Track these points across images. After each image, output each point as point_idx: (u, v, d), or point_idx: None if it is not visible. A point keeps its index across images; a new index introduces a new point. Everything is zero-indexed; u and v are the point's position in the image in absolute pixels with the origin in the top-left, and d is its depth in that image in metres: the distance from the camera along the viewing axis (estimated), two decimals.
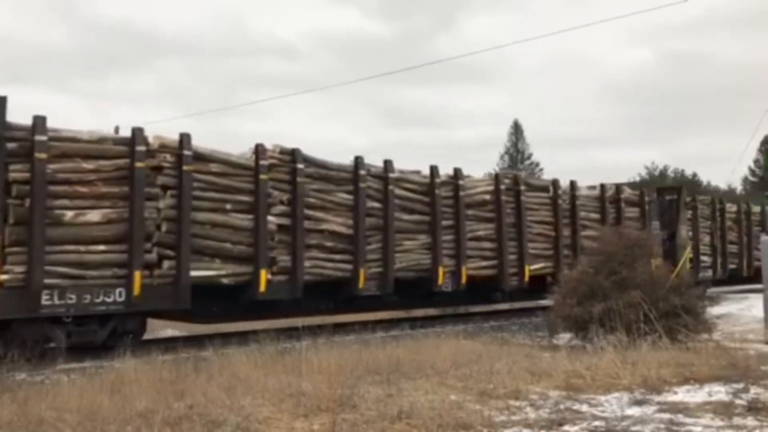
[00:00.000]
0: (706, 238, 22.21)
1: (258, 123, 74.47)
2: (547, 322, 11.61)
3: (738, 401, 6.20)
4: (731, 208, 24.40)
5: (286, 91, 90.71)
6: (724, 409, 5.90)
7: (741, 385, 6.83)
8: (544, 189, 17.37)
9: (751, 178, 58.85)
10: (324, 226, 12.94)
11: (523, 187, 16.50)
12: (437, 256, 14.43)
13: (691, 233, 20.88)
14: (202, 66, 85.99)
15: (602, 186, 18.66)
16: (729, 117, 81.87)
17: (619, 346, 8.60)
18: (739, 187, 58.27)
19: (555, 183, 17.31)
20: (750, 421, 5.56)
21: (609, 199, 18.53)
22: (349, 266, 13.22)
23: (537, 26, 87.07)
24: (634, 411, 5.92)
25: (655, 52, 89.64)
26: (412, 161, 15.14)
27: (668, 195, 21.31)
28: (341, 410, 5.73)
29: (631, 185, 20.99)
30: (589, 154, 79.34)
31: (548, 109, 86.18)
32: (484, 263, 15.65)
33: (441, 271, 14.45)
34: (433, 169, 14.66)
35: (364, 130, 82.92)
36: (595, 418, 5.69)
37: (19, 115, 9.96)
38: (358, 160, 13.47)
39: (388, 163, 13.97)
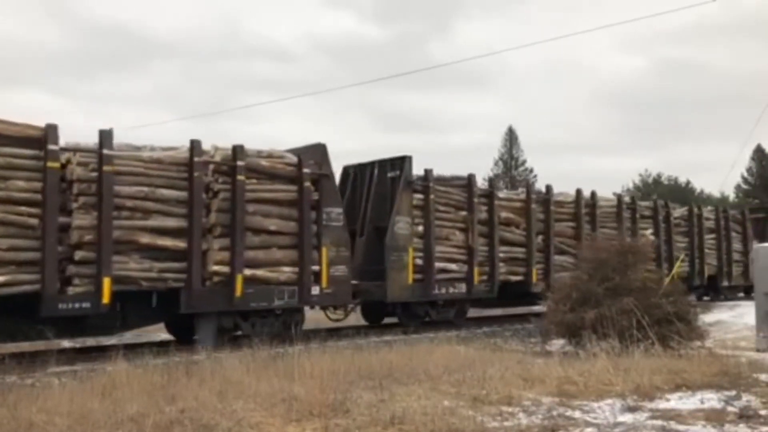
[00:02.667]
0: (457, 237, 15.28)
1: (252, 126, 74.46)
2: (540, 329, 11.61)
3: (730, 408, 6.22)
4: (518, 195, 17.21)
5: (281, 95, 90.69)
6: (716, 416, 5.92)
7: (733, 393, 6.86)
8: (21, 142, 10.03)
9: (743, 186, 59.08)
10: None
11: None
12: None
13: (422, 228, 14.55)
14: (197, 68, 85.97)
15: (192, 146, 11.32)
16: (722, 125, 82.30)
17: (612, 353, 8.62)
18: (731, 194, 58.52)
19: (50, 131, 10.05)
20: (742, 429, 5.59)
21: (209, 169, 11.72)
22: None
23: (532, 32, 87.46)
24: (627, 417, 5.93)
25: (649, 60, 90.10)
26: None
27: (390, 171, 14.86)
28: (334, 415, 5.73)
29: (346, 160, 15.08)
30: (584, 161, 79.54)
31: (543, 115, 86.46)
32: None
33: None
34: None
35: (359, 134, 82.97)
36: (588, 424, 5.70)
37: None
38: None
39: None
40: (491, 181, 16.42)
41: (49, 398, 6.40)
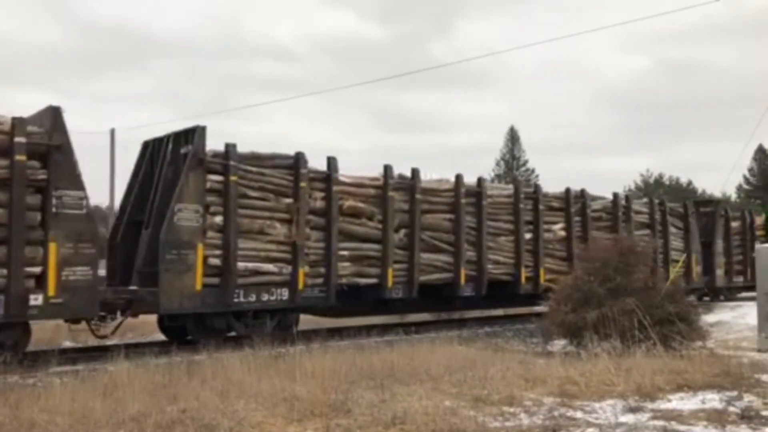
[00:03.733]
0: (278, 230, 12.10)
1: (253, 125, 74.49)
2: (542, 329, 11.61)
3: (731, 409, 6.22)
4: (371, 180, 13.71)
5: (282, 94, 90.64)
6: (717, 417, 5.92)
7: (734, 393, 6.86)
8: None
9: (745, 186, 59.09)
10: None
11: None
12: None
13: (221, 218, 11.44)
14: (197, 67, 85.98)
15: None
16: (725, 125, 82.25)
17: (614, 353, 8.63)
18: (733, 195, 58.52)
19: None
20: (743, 429, 5.59)
21: None
22: None
23: (533, 32, 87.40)
24: (628, 418, 5.93)
25: (651, 60, 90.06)
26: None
27: (184, 146, 11.64)
28: (335, 415, 5.73)
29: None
30: (586, 161, 79.53)
31: (544, 116, 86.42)
32: None
33: None
34: None
35: (360, 134, 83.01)
36: (589, 424, 5.70)
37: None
38: None
39: None
40: (299, 158, 12.26)
41: (51, 398, 6.41)
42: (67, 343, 12.20)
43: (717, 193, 55.04)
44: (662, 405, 6.43)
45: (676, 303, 10.49)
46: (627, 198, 19.29)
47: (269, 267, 11.93)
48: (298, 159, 12.35)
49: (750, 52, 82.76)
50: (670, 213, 20.63)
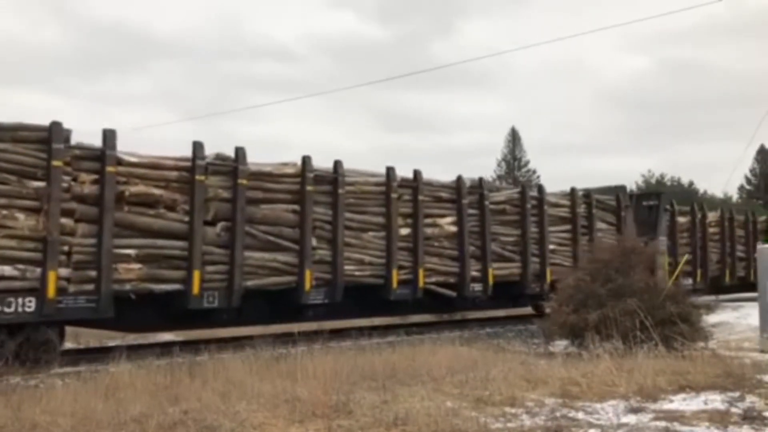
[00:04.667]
0: (20, 222, 9.63)
1: (254, 126, 74.53)
2: (543, 330, 11.62)
3: (734, 410, 6.21)
4: (176, 162, 11.14)
5: (283, 95, 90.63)
6: (719, 418, 5.92)
7: (737, 394, 6.85)
8: None
9: (747, 187, 59.08)
10: None
11: None
12: None
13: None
14: (198, 68, 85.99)
15: None
16: (727, 125, 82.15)
17: (615, 354, 8.61)
18: (735, 195, 58.50)
19: None
20: (745, 430, 5.58)
21: None
22: None
23: (535, 32, 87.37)
24: (630, 419, 5.92)
25: (652, 60, 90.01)
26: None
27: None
28: (336, 416, 5.73)
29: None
30: (587, 161, 79.45)
31: (545, 116, 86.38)
32: None
33: None
34: None
35: (361, 134, 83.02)
36: (591, 425, 5.69)
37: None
38: None
39: None
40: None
41: (53, 399, 6.43)
42: (69, 345, 12.20)
43: (719, 194, 55.10)
44: (664, 406, 6.43)
45: (677, 304, 10.49)
46: (540, 188, 16.84)
47: (4, 269, 9.42)
48: (52, 131, 9.71)
49: (751, 52, 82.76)
50: (597, 206, 18.01)
